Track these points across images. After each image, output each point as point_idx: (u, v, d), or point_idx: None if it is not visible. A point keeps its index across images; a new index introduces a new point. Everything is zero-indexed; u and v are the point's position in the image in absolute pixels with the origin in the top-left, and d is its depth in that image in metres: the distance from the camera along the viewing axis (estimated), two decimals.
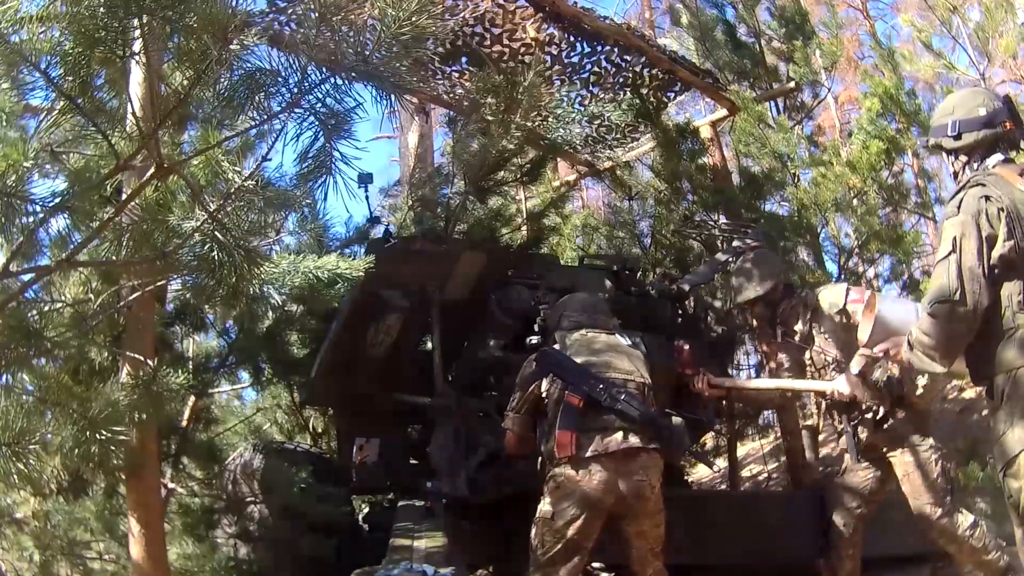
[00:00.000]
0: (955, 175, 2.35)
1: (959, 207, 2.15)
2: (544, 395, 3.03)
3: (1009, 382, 2.08)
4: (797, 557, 4.07)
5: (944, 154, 2.39)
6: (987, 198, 2.12)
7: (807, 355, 3.63)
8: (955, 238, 2.11)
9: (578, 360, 3.05)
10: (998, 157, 2.25)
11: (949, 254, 2.11)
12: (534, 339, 3.60)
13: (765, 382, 3.92)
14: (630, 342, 3.25)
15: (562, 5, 4.83)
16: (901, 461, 3.37)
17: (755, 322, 4.02)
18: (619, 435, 2.89)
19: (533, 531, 2.93)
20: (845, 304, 3.46)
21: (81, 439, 2.22)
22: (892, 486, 3.49)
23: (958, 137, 2.29)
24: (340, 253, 3.44)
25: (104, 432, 2.22)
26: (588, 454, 2.85)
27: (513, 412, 3.13)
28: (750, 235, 5.20)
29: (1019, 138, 2.32)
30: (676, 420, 3.07)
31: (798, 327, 3.63)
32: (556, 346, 3.20)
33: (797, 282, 3.95)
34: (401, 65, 1.89)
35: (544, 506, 2.92)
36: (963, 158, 2.31)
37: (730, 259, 5.35)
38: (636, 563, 3.00)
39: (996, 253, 2.09)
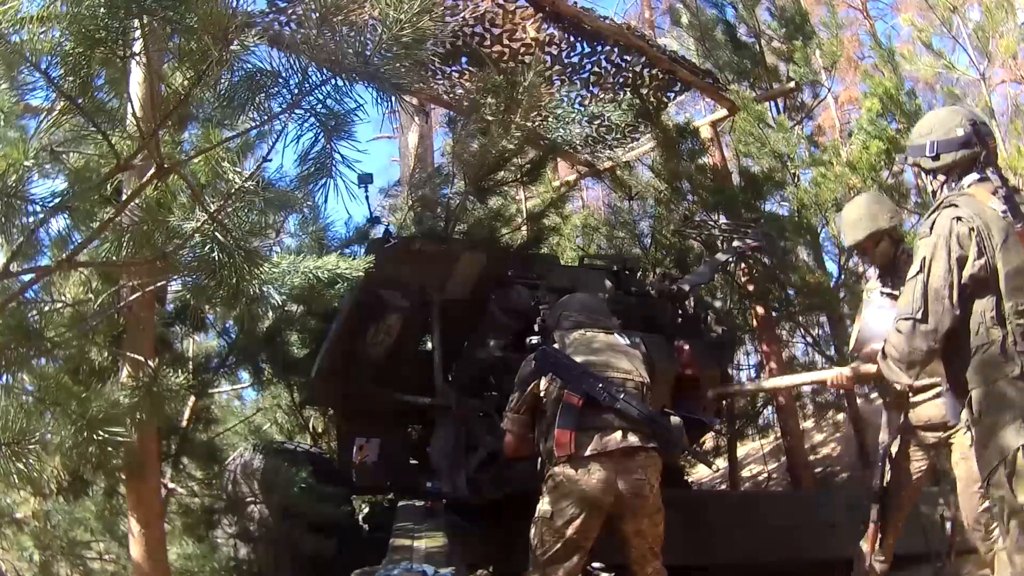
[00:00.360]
0: (933, 194, 2.41)
1: (931, 228, 2.23)
2: (543, 394, 3.03)
3: (986, 395, 2.14)
4: (797, 557, 4.07)
5: (923, 173, 2.45)
6: (959, 219, 2.19)
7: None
8: (924, 259, 2.21)
9: (577, 359, 3.05)
10: (974, 177, 2.30)
11: (917, 274, 2.21)
12: (534, 339, 3.60)
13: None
14: (629, 342, 3.25)
15: (562, 5, 4.84)
16: (961, 443, 3.20)
17: (871, 261, 3.72)
18: (618, 434, 2.89)
19: (532, 530, 2.93)
20: None
21: (81, 439, 2.21)
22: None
23: (936, 157, 2.36)
24: (340, 253, 3.44)
25: (104, 433, 2.21)
26: (587, 453, 2.85)
27: (512, 412, 3.13)
28: (750, 235, 5.21)
29: (993, 159, 2.37)
30: (675, 420, 3.07)
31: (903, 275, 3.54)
32: (555, 345, 3.20)
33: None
34: (401, 66, 1.88)
35: (543, 505, 2.92)
36: (941, 178, 2.37)
37: (730, 259, 5.36)
38: (635, 562, 2.99)
39: (967, 272, 2.16)
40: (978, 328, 2.17)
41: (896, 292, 3.37)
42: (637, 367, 3.12)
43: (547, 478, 2.94)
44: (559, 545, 2.84)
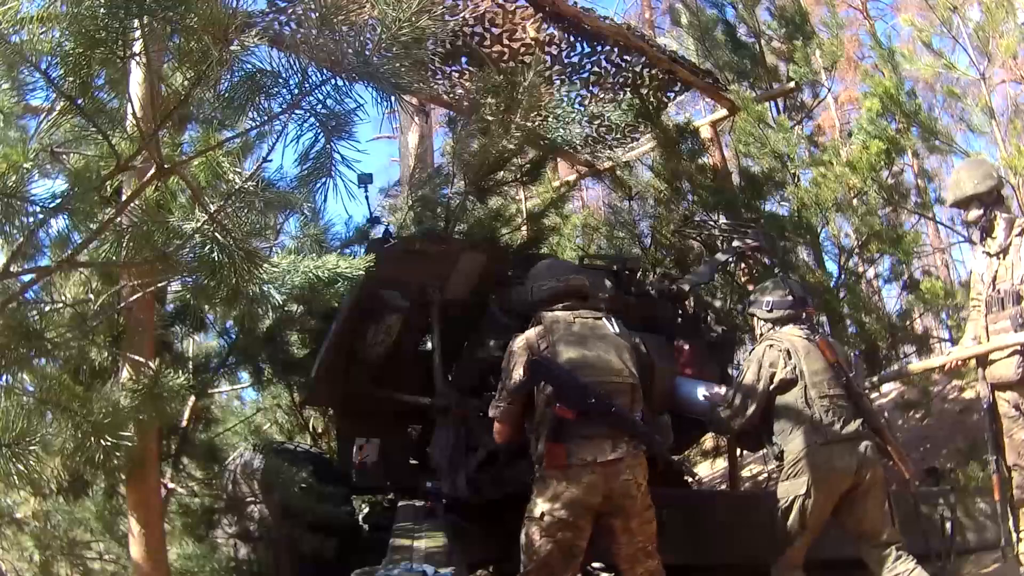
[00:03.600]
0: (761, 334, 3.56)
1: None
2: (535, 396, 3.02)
3: None
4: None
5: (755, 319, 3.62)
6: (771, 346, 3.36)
7: (992, 272, 3.60)
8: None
9: (567, 355, 3.00)
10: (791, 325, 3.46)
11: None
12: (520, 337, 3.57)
13: None
14: (617, 330, 3.19)
15: (562, 5, 4.84)
16: None
17: (968, 227, 3.87)
18: (609, 444, 2.88)
19: (524, 532, 2.92)
20: None
21: (82, 440, 2.21)
22: None
23: (771, 312, 3.52)
24: (340, 253, 3.44)
25: (105, 433, 2.21)
26: (578, 463, 2.85)
27: (502, 403, 3.08)
28: (750, 235, 5.20)
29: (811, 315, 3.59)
30: (663, 418, 3.05)
31: (996, 236, 3.60)
32: (538, 327, 3.12)
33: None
34: (401, 65, 1.88)
35: (534, 507, 2.90)
36: (769, 324, 3.52)
37: (730, 259, 5.36)
38: (625, 561, 2.98)
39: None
40: None
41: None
42: (626, 362, 3.07)
43: (537, 479, 2.94)
44: (552, 546, 2.84)
